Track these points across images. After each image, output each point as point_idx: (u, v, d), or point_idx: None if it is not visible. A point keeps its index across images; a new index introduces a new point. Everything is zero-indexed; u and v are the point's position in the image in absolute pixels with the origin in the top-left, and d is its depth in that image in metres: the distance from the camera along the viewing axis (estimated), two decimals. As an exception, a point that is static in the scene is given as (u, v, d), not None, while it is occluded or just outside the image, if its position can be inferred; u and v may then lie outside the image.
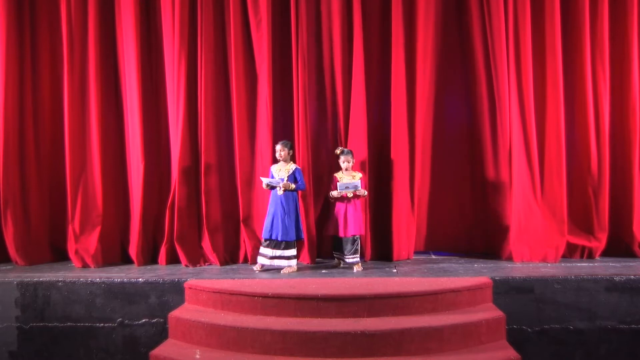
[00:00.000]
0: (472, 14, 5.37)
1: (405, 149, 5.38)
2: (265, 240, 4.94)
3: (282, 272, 4.86)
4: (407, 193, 5.41)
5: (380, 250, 5.49)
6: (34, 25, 5.65)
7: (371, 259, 5.45)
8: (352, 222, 4.93)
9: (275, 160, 5.18)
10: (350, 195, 4.95)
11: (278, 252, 4.89)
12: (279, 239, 4.88)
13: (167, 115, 5.57)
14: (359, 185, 4.94)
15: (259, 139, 5.36)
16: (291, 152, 5.10)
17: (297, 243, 5.07)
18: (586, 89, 5.26)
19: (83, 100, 5.50)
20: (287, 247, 4.91)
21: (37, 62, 5.66)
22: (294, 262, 4.94)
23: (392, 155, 5.31)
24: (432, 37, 5.49)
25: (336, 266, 5.10)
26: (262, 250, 4.95)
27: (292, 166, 5.03)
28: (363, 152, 5.43)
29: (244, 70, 5.48)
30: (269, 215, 4.95)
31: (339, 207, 5.00)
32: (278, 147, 5.02)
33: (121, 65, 5.59)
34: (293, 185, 4.96)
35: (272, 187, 4.95)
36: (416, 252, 5.65)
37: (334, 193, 4.99)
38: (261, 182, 5.03)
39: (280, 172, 4.99)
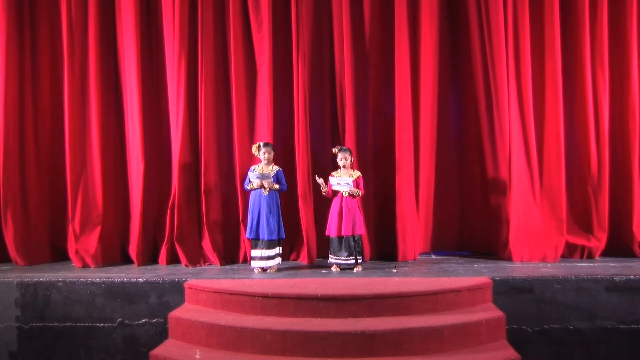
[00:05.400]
0: (472, 16, 5.36)
1: (410, 149, 5.37)
2: (254, 240, 4.96)
3: (268, 271, 4.90)
4: (413, 193, 5.40)
5: (384, 251, 5.50)
6: (34, 25, 5.65)
7: (374, 259, 5.46)
8: (347, 222, 4.88)
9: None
10: (345, 194, 4.94)
11: (266, 252, 4.91)
12: (265, 238, 4.90)
13: (168, 115, 5.57)
14: (352, 183, 4.92)
15: (259, 139, 5.35)
16: (274, 153, 5.12)
17: (283, 242, 5.17)
18: (586, 89, 5.26)
19: (83, 100, 5.50)
20: (270, 247, 4.94)
21: (37, 62, 5.66)
22: (278, 260, 5.01)
23: (397, 156, 5.30)
24: (434, 38, 5.48)
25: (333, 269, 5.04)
26: (253, 252, 4.96)
27: (275, 167, 5.08)
28: (365, 152, 5.44)
29: (244, 70, 5.49)
30: (253, 215, 4.96)
31: (334, 207, 4.98)
32: (264, 149, 5.02)
33: (121, 65, 5.59)
34: (277, 186, 5.02)
35: (259, 188, 4.97)
36: (416, 252, 5.66)
37: (326, 190, 4.97)
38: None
39: (265, 172, 5.02)
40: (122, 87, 5.62)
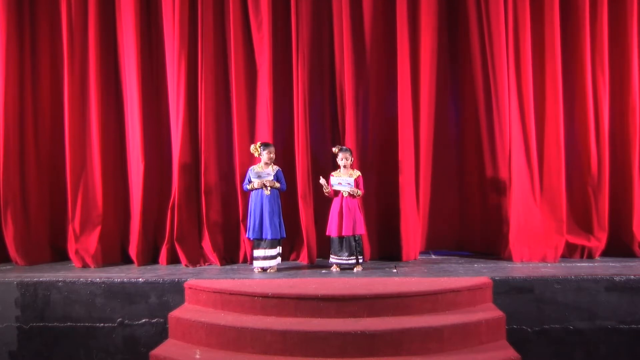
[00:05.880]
0: (472, 16, 5.36)
1: (412, 150, 5.38)
2: (256, 240, 4.97)
3: (268, 271, 4.90)
4: (413, 193, 5.41)
5: (387, 250, 5.51)
6: (34, 25, 5.65)
7: (375, 259, 5.46)
8: (347, 222, 4.88)
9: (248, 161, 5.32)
10: (345, 194, 4.94)
11: (269, 252, 4.93)
12: (269, 237, 4.91)
13: (168, 115, 5.58)
14: (352, 183, 4.93)
15: (259, 139, 5.35)
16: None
17: (283, 242, 5.17)
18: (586, 89, 5.26)
19: (83, 100, 5.50)
20: (273, 246, 4.95)
21: (37, 62, 5.66)
22: (279, 259, 5.03)
23: (400, 156, 5.30)
24: (434, 38, 5.49)
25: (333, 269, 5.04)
26: (256, 252, 4.96)
27: (275, 167, 5.09)
28: (365, 153, 5.45)
29: (244, 70, 5.49)
30: (255, 215, 4.95)
31: (335, 207, 4.98)
32: (268, 149, 5.02)
33: (121, 65, 5.59)
34: (278, 184, 5.04)
35: (260, 188, 4.98)
36: (416, 252, 5.66)
37: (329, 190, 4.97)
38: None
39: (265, 171, 5.03)
40: (122, 87, 5.62)
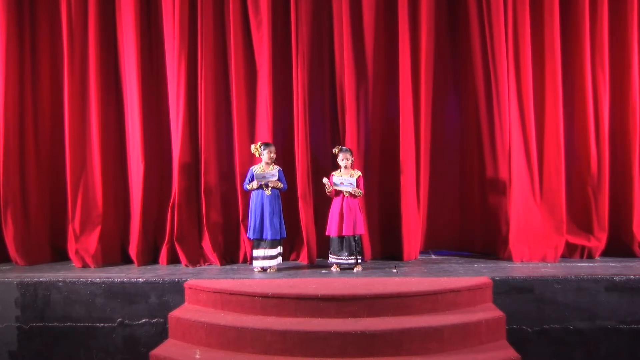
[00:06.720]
0: (473, 16, 5.37)
1: (412, 150, 5.38)
2: (256, 240, 4.97)
3: (268, 271, 4.90)
4: (414, 193, 5.41)
5: (388, 250, 5.51)
6: (34, 25, 5.65)
7: (377, 259, 5.47)
8: (348, 222, 4.88)
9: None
10: (347, 194, 4.94)
11: (269, 252, 4.93)
12: (269, 238, 4.91)
13: (168, 115, 5.57)
14: (354, 183, 4.93)
15: (259, 139, 5.35)
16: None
17: (283, 242, 5.17)
18: (586, 89, 5.26)
19: (83, 100, 5.50)
20: (273, 246, 4.95)
21: (37, 62, 5.66)
22: (280, 259, 5.03)
23: (401, 157, 5.30)
24: (435, 38, 5.49)
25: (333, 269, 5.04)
26: (255, 252, 4.96)
27: (276, 167, 5.09)
28: (366, 153, 5.46)
29: (244, 70, 5.49)
30: (256, 215, 4.95)
31: (335, 206, 4.98)
32: (269, 149, 5.03)
33: (121, 65, 5.59)
34: (281, 184, 5.04)
35: (259, 188, 4.99)
36: (416, 252, 5.67)
37: (331, 190, 4.98)
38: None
39: (267, 172, 5.03)
40: (122, 87, 5.62)
